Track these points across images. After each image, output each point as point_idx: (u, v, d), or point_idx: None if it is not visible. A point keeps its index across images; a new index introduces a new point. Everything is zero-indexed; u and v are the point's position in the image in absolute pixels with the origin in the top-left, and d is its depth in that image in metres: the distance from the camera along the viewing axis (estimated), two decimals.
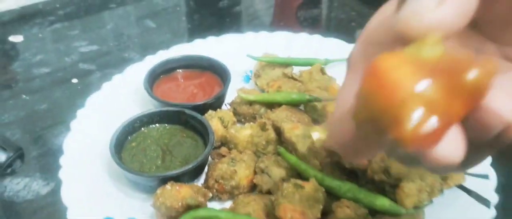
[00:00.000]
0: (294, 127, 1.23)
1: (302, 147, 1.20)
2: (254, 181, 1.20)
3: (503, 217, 1.16)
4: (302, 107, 1.45)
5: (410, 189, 1.07)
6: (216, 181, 1.20)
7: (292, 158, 1.17)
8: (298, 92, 1.42)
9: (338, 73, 1.60)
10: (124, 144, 1.28)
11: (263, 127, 1.29)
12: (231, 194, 1.21)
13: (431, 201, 1.10)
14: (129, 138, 1.29)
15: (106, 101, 1.46)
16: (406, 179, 1.08)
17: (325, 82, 1.51)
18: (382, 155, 1.14)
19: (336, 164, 1.22)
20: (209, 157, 1.29)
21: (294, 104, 1.41)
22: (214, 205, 1.19)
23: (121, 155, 1.24)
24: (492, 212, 1.11)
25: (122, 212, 1.16)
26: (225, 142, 1.32)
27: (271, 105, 1.41)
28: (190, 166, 1.18)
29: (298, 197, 1.05)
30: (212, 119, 1.34)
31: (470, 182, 1.18)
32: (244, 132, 1.30)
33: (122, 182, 1.24)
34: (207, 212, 1.08)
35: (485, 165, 1.22)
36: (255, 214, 1.10)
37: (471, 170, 1.18)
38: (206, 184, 1.22)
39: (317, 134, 1.30)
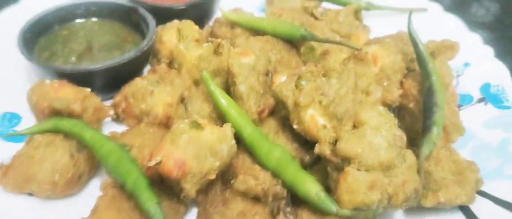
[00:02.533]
0: (244, 53, 0.85)
1: (242, 81, 0.82)
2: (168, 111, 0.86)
3: None
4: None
5: (355, 181, 0.65)
6: (125, 99, 0.89)
7: (215, 90, 0.80)
8: (291, 24, 1.03)
9: (377, 23, 1.17)
10: (52, 29, 1.03)
11: (216, 50, 0.93)
12: (140, 121, 0.89)
13: (386, 212, 0.67)
14: (56, 27, 1.03)
15: None
16: (358, 163, 0.66)
17: (351, 28, 1.10)
18: (350, 121, 0.72)
19: (287, 123, 0.83)
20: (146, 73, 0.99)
21: (284, 37, 1.03)
22: (116, 128, 0.88)
23: (39, 39, 1.00)
24: None
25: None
26: (172, 60, 1.00)
27: (256, 33, 1.04)
28: (97, 66, 0.89)
29: (187, 140, 0.70)
30: (169, 30, 1.01)
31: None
32: (194, 52, 0.96)
33: (23, 71, 1.00)
34: (72, 125, 0.78)
35: None
36: (143, 148, 0.77)
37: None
38: (113, 101, 0.92)
39: (285, 79, 0.91)
